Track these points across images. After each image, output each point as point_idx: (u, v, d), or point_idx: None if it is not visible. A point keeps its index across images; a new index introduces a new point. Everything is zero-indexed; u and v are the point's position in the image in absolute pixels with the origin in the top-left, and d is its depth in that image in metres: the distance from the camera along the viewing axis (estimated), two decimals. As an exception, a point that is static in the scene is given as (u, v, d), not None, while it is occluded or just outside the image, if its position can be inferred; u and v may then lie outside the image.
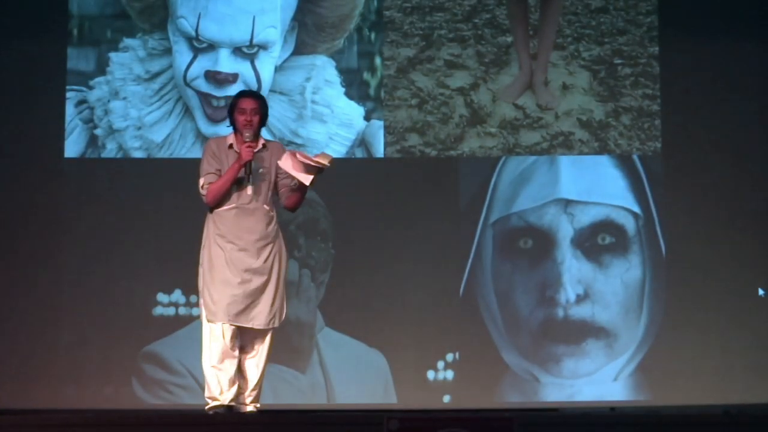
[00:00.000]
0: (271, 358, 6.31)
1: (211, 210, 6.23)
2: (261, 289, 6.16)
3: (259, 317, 6.17)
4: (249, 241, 6.16)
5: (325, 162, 6.09)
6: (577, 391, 8.00)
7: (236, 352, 6.17)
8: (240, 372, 6.22)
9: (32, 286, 7.99)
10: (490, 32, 8.28)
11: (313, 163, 6.07)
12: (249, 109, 6.20)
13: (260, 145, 6.24)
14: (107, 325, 7.97)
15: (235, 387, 6.17)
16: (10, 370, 7.88)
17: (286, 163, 6.09)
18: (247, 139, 6.15)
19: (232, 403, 6.17)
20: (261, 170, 6.22)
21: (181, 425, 5.74)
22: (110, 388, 7.94)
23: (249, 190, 6.18)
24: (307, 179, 6.09)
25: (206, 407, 6.18)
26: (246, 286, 6.13)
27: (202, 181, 6.22)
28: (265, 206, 6.21)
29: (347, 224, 8.09)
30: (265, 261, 6.18)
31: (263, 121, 6.28)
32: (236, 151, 6.22)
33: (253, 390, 6.23)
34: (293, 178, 6.12)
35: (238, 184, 6.19)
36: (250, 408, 6.22)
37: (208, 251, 6.20)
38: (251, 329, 6.18)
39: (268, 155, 6.26)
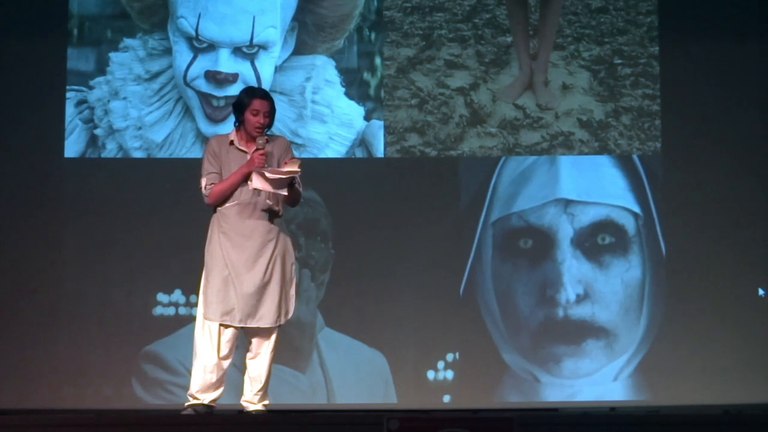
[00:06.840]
0: (276, 357, 6.23)
1: (215, 209, 6.15)
2: (266, 287, 6.07)
3: (266, 316, 6.08)
4: (252, 238, 6.07)
5: (295, 168, 6.02)
6: (577, 391, 8.00)
7: (230, 354, 6.10)
8: (246, 372, 6.16)
9: (32, 286, 7.99)
10: (490, 32, 8.28)
11: (283, 176, 6.00)
12: (263, 111, 6.12)
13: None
14: (107, 325, 7.97)
15: (221, 389, 6.09)
16: (10, 370, 7.87)
17: (258, 184, 5.99)
18: (260, 147, 6.05)
19: (213, 404, 6.08)
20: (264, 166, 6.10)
21: (181, 425, 5.73)
22: (110, 388, 7.94)
23: (251, 186, 6.04)
24: (283, 191, 6.05)
25: (186, 404, 6.09)
26: (250, 285, 6.04)
27: (204, 181, 6.13)
28: (267, 201, 6.12)
29: (347, 224, 8.08)
30: (270, 258, 6.08)
31: (272, 122, 6.21)
32: (238, 149, 6.14)
33: (260, 390, 6.15)
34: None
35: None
36: (258, 407, 6.14)
37: (210, 250, 6.11)
38: (256, 329, 6.10)
39: (270, 149, 6.15)
